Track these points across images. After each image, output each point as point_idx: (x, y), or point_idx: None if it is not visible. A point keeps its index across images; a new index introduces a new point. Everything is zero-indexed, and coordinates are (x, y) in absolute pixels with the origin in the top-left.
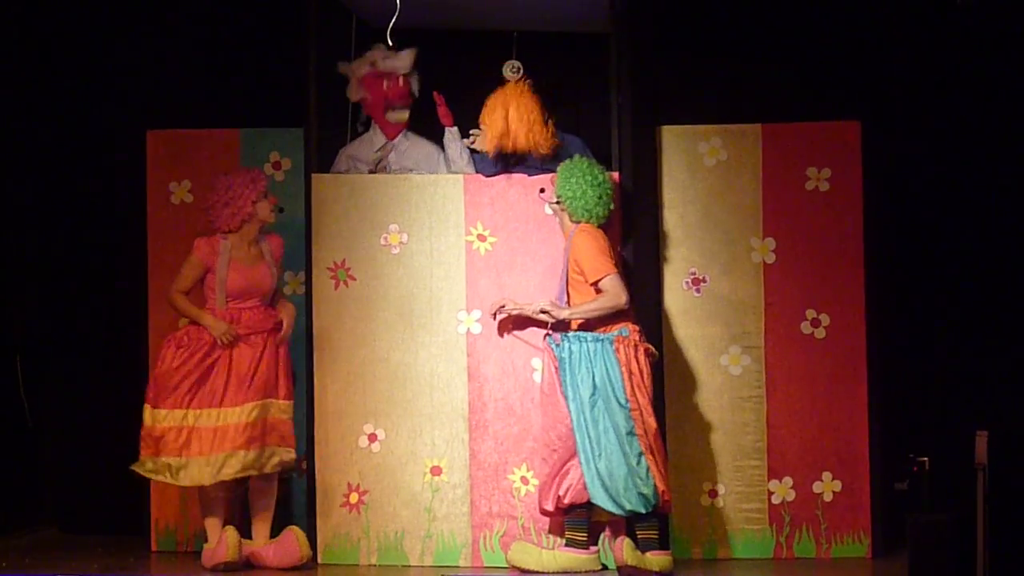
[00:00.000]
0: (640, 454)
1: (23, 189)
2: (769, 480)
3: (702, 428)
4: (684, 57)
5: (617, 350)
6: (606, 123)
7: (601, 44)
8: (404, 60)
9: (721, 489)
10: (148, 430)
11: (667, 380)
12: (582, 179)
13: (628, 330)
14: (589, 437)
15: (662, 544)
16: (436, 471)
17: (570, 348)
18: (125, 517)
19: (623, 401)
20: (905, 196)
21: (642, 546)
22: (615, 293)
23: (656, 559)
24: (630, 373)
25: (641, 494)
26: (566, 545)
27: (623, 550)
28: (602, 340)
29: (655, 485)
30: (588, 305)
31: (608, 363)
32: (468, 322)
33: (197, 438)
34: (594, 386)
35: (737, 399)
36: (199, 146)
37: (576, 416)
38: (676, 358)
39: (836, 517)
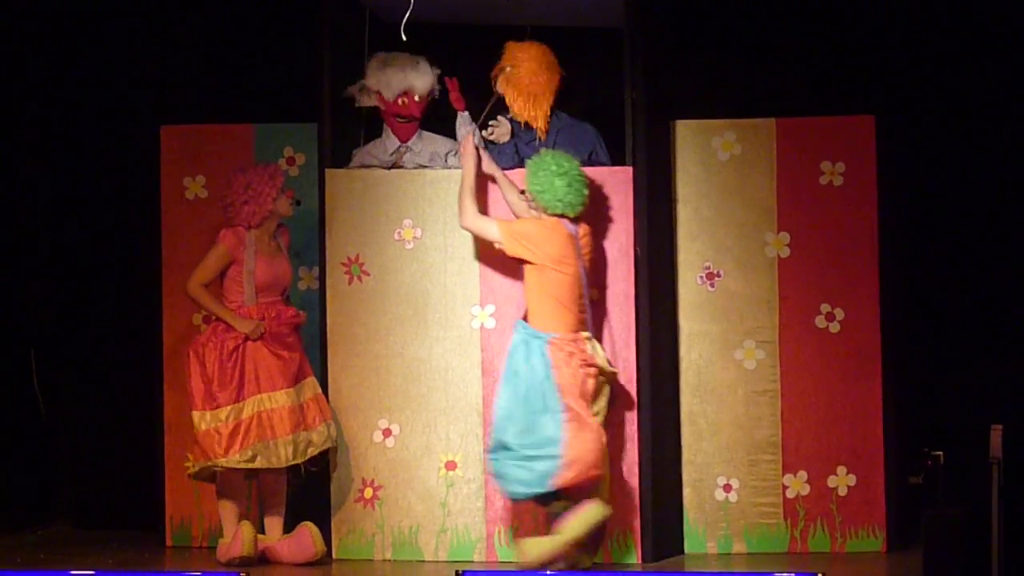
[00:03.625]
0: (547, 445)
1: (37, 185)
2: (784, 474)
3: (716, 422)
4: (698, 52)
5: (550, 351)
6: (620, 118)
7: (615, 39)
8: (424, 80)
9: (735, 483)
10: (209, 433)
11: (681, 375)
12: (547, 170)
13: (559, 335)
14: (518, 423)
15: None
16: (451, 466)
17: (517, 337)
18: (140, 512)
19: (550, 400)
20: (919, 190)
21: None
22: (480, 225)
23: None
24: (560, 375)
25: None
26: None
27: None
28: (540, 338)
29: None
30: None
31: (539, 360)
32: (482, 317)
33: (279, 418)
34: (526, 377)
35: (751, 393)
36: (213, 141)
37: (509, 401)
38: (690, 353)
39: (851, 511)
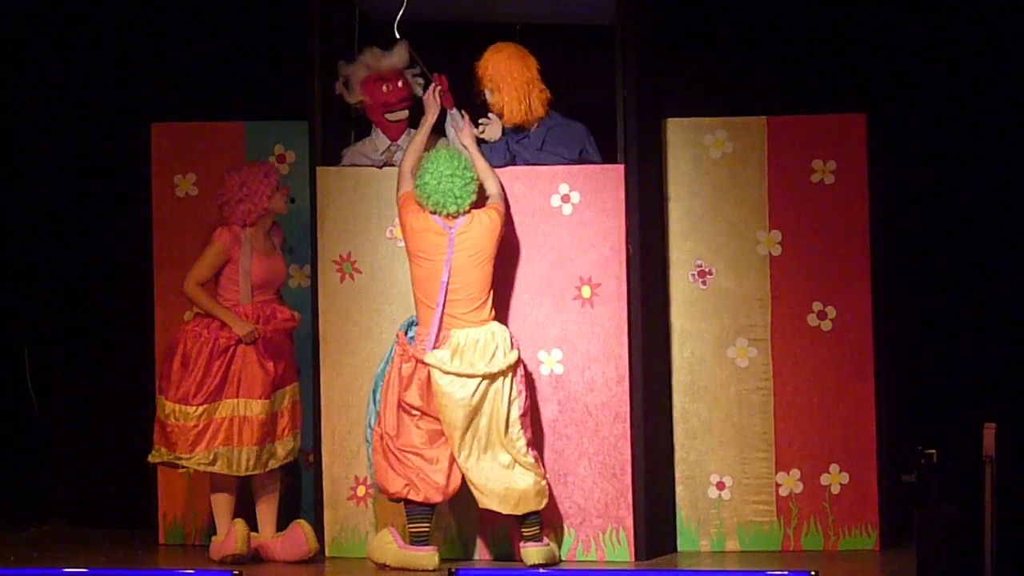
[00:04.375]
0: (368, 442)
1: (28, 183)
2: (776, 472)
3: (709, 420)
4: (689, 49)
5: (396, 346)
6: (611, 116)
7: (606, 36)
8: (398, 56)
9: (728, 481)
10: (177, 426)
11: (674, 373)
12: (423, 166)
13: (408, 327)
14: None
15: (430, 540)
16: None
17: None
18: (133, 510)
19: (375, 391)
20: (911, 188)
21: (410, 539)
22: (400, 181)
23: (417, 555)
24: (391, 370)
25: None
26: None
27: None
28: (401, 328)
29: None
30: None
31: (388, 353)
32: None
33: (248, 427)
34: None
35: (744, 391)
36: (204, 139)
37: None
38: (683, 351)
39: (844, 509)
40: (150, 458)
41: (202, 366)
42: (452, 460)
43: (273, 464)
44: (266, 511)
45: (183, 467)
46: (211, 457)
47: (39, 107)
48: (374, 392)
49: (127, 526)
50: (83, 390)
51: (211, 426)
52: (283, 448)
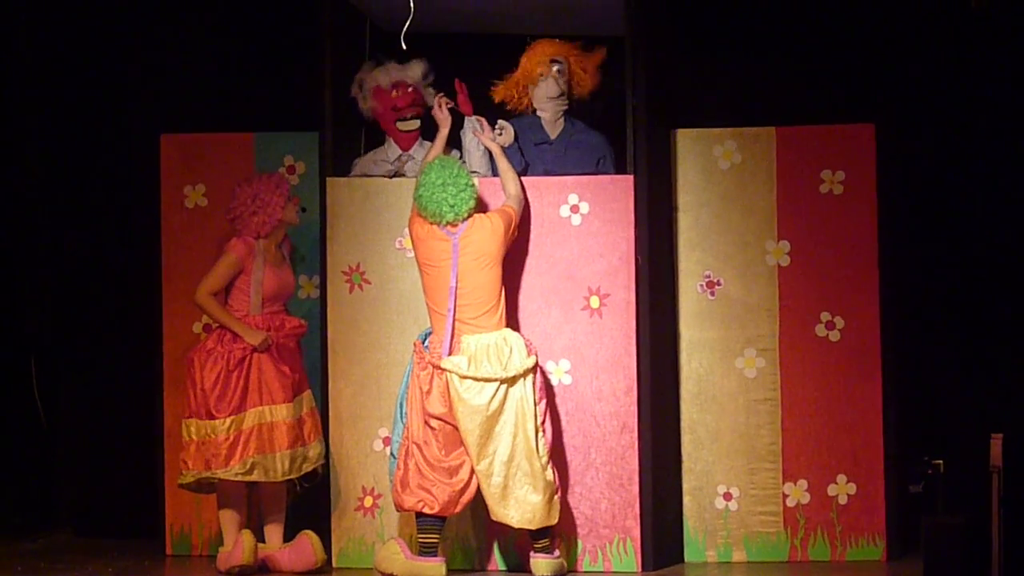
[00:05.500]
0: (393, 456)
1: (38, 192)
2: (784, 483)
3: (716, 431)
4: (698, 60)
5: (414, 355)
6: (621, 126)
7: (616, 47)
8: (414, 70)
9: (735, 492)
10: (209, 442)
11: (682, 383)
12: (420, 179)
13: (424, 336)
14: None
15: (439, 551)
16: None
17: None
18: (140, 521)
19: (401, 404)
20: (919, 198)
21: (419, 550)
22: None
23: (424, 566)
24: (412, 380)
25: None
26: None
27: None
28: (419, 338)
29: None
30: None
31: (409, 365)
32: None
33: (278, 432)
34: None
35: (752, 402)
36: (213, 150)
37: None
38: (691, 361)
39: (851, 520)
40: (180, 480)
41: (221, 380)
42: (471, 471)
43: (306, 467)
44: (273, 522)
45: (217, 480)
46: (247, 467)
47: (49, 118)
48: (400, 407)
49: (134, 536)
50: (90, 400)
51: (241, 437)
52: (314, 451)
